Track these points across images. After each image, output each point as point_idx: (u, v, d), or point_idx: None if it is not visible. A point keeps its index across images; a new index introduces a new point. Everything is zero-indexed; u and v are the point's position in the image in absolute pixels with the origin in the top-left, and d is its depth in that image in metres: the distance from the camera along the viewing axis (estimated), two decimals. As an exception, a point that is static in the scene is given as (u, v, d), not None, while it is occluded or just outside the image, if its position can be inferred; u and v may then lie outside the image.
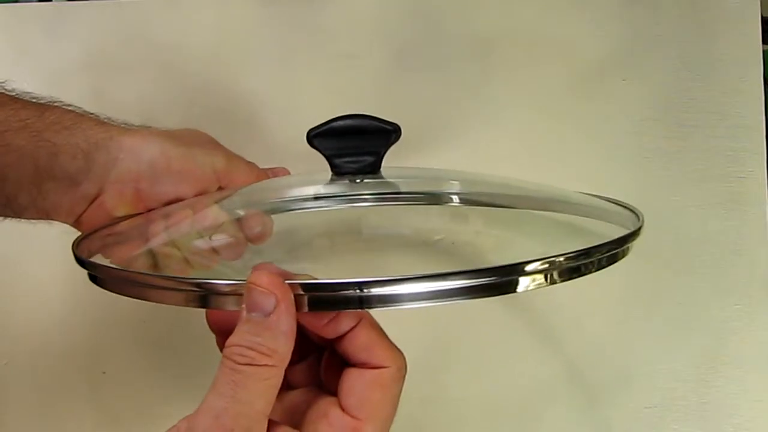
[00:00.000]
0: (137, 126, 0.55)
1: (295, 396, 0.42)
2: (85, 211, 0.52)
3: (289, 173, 0.59)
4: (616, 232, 0.41)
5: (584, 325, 0.78)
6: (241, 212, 0.50)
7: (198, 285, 0.37)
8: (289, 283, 0.36)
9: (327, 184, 0.47)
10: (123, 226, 0.51)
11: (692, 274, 0.78)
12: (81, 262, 0.43)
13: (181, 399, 0.75)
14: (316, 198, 0.48)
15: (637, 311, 0.78)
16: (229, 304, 0.37)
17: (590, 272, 0.38)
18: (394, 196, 0.48)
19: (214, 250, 0.48)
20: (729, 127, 0.78)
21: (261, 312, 0.36)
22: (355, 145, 0.46)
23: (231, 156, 0.56)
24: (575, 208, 0.49)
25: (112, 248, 0.49)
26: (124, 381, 0.78)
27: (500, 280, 0.35)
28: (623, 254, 0.41)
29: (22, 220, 0.52)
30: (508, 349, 0.78)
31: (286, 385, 0.39)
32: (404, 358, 0.40)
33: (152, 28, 0.79)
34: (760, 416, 0.78)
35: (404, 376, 0.40)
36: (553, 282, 0.36)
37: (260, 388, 0.36)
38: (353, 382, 0.39)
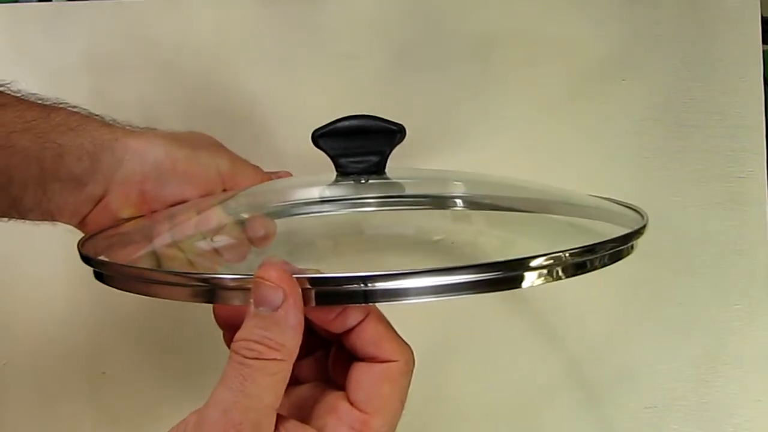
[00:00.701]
0: (142, 128, 0.55)
1: (302, 391, 0.42)
2: (90, 212, 0.52)
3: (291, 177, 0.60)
4: (621, 232, 0.41)
5: (585, 325, 0.78)
6: (245, 215, 0.50)
7: (204, 280, 0.37)
8: (297, 278, 0.36)
9: (332, 184, 0.47)
10: (127, 227, 0.51)
11: (692, 274, 0.78)
12: (87, 259, 0.43)
13: (182, 399, 0.75)
14: (322, 200, 0.48)
15: (637, 311, 0.78)
16: (236, 299, 0.37)
17: (595, 269, 0.38)
18: (399, 197, 0.48)
19: (218, 252, 0.48)
20: (729, 127, 0.78)
21: (269, 306, 0.36)
22: (359, 145, 0.46)
23: (235, 159, 0.56)
24: (579, 209, 0.49)
25: (117, 249, 0.49)
26: (124, 381, 0.78)
27: (505, 275, 0.35)
28: (628, 252, 0.41)
29: (27, 221, 0.52)
30: (508, 349, 0.78)
31: (294, 380, 0.39)
32: (412, 352, 0.40)
33: (152, 28, 0.79)
34: (760, 416, 0.78)
35: (412, 370, 0.40)
36: (558, 278, 0.37)
37: (269, 382, 0.36)
38: (361, 376, 0.39)
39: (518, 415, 0.78)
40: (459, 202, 0.50)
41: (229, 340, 0.41)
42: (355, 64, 0.79)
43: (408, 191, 0.49)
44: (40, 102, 0.53)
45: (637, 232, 0.41)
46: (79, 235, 0.52)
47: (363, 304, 0.38)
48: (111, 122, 0.54)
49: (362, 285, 0.34)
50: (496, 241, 0.48)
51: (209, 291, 0.37)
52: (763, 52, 0.79)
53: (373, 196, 0.47)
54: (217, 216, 0.50)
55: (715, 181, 0.79)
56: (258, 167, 0.57)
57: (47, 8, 0.80)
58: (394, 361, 0.39)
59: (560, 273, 0.37)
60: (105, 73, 0.78)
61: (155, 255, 0.46)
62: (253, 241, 0.48)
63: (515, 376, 0.78)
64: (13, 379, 0.78)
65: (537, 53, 0.79)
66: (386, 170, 0.47)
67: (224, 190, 0.54)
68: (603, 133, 0.79)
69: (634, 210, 0.47)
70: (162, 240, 0.49)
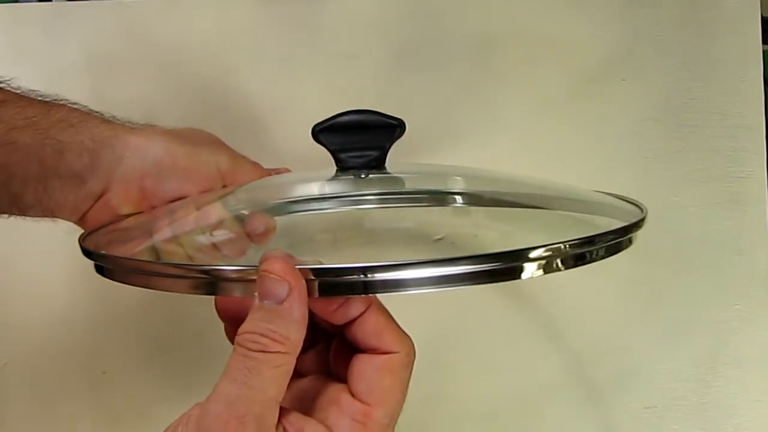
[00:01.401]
0: (142, 125, 0.55)
1: (304, 383, 0.42)
2: (90, 208, 0.52)
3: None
4: (620, 225, 0.41)
5: (585, 324, 0.78)
6: (245, 211, 0.50)
7: (205, 272, 0.38)
8: (300, 269, 0.36)
9: (331, 179, 0.47)
10: (127, 222, 0.51)
11: (692, 274, 0.78)
12: (88, 253, 0.43)
13: (182, 398, 0.74)
14: (322, 196, 0.48)
15: (637, 311, 0.78)
16: (237, 291, 0.37)
17: (594, 260, 0.38)
18: (399, 193, 0.48)
19: (216, 247, 0.48)
20: (729, 127, 0.78)
21: (274, 299, 0.36)
22: (359, 140, 0.46)
23: (235, 155, 0.56)
24: (578, 203, 0.49)
25: (117, 244, 0.49)
26: (124, 381, 0.78)
27: (505, 266, 0.35)
28: (627, 244, 0.41)
29: (27, 217, 0.52)
30: (508, 349, 0.78)
31: (296, 373, 0.39)
32: (413, 344, 0.40)
33: (152, 28, 0.79)
34: (760, 416, 0.78)
35: (413, 361, 0.40)
36: (557, 269, 0.36)
37: (273, 374, 0.36)
38: (363, 367, 0.39)
39: (518, 415, 0.78)
40: (459, 198, 0.50)
41: (231, 333, 0.41)
42: (355, 63, 0.79)
43: (408, 186, 0.49)
44: (40, 99, 0.53)
45: (636, 225, 0.41)
46: (79, 232, 0.52)
47: (363, 295, 0.38)
48: (111, 119, 0.54)
49: (362, 276, 0.34)
50: (497, 234, 0.48)
51: (210, 283, 0.37)
52: (763, 52, 0.79)
53: (373, 192, 0.46)
54: (216, 212, 0.50)
55: (715, 181, 0.79)
56: (257, 164, 0.57)
57: (47, 8, 0.80)
58: (395, 352, 0.39)
59: (559, 264, 0.37)
60: (105, 72, 0.78)
61: (155, 250, 0.46)
62: (252, 237, 0.48)
63: (515, 375, 0.78)
64: (13, 379, 0.78)
65: (537, 53, 0.79)
66: (386, 165, 0.47)
67: (224, 186, 0.54)
68: (603, 133, 0.79)
69: (634, 204, 0.47)
70: (162, 235, 0.49)
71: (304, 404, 0.40)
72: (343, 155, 0.47)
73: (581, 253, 0.37)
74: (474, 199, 0.50)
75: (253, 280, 0.36)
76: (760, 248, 0.78)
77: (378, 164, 0.47)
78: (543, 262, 0.36)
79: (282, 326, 0.36)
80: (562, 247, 0.36)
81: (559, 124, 0.78)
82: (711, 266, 0.78)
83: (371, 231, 0.46)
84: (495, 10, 0.79)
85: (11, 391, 0.78)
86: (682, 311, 0.78)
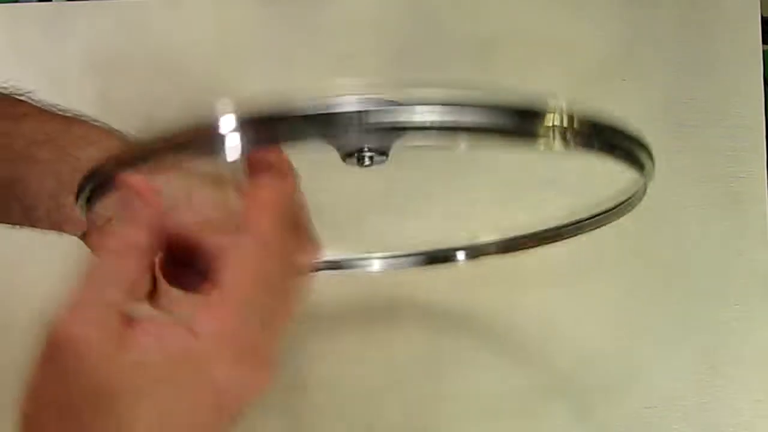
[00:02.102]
0: None
1: None
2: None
3: None
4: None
5: (584, 324, 0.78)
6: None
7: None
8: None
9: None
10: None
11: (692, 274, 0.78)
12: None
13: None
14: None
15: (637, 311, 0.78)
16: None
17: (600, 151, 0.35)
18: None
19: None
20: (729, 127, 0.78)
21: None
22: None
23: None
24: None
25: None
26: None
27: (519, 123, 0.32)
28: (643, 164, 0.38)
29: (37, 229, 0.52)
30: (507, 349, 0.78)
31: None
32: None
33: (152, 28, 0.79)
34: (760, 416, 0.78)
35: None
36: (566, 143, 0.33)
37: None
38: None
39: (518, 415, 0.78)
40: None
41: None
42: (355, 64, 0.79)
43: None
44: (61, 113, 0.52)
45: (650, 154, 0.38)
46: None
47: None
48: (132, 140, 0.52)
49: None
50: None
51: None
52: (763, 52, 0.79)
53: None
54: None
55: (715, 181, 0.78)
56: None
57: (47, 8, 0.80)
58: None
59: (572, 137, 0.33)
60: (105, 72, 0.78)
61: None
62: None
63: (514, 376, 0.78)
64: (13, 380, 0.78)
65: (537, 53, 0.79)
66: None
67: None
68: (603, 133, 0.79)
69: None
70: None
71: None
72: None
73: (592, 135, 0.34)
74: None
75: None
76: (760, 248, 0.78)
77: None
78: (558, 127, 0.33)
79: None
80: (580, 117, 0.33)
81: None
82: (711, 266, 0.78)
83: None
84: (495, 10, 0.79)
85: (11, 391, 0.78)
86: (682, 311, 0.78)
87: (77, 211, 0.49)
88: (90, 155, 0.50)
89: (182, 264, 0.44)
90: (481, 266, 0.57)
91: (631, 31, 0.79)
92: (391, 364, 0.74)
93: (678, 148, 0.79)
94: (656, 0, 0.79)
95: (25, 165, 0.49)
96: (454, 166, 0.77)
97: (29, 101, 0.52)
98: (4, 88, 0.53)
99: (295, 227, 0.38)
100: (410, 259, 0.56)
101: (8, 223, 0.52)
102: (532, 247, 0.53)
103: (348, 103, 0.32)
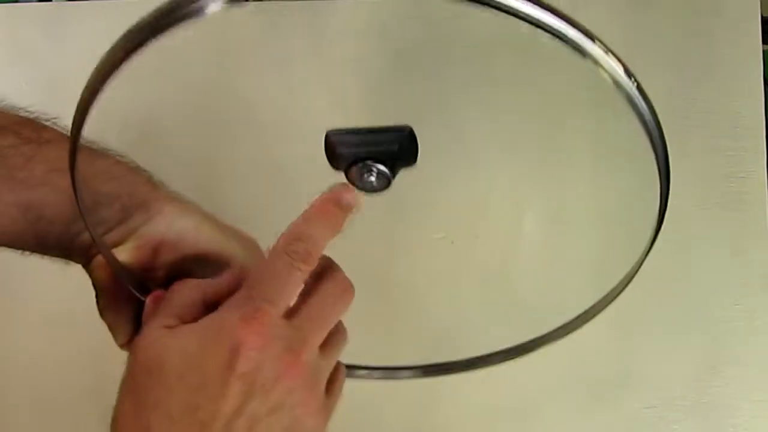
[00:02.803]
0: (188, 200, 0.53)
1: None
2: (98, 254, 0.51)
3: None
4: None
5: (585, 324, 0.78)
6: None
7: None
8: None
9: None
10: None
11: (692, 274, 0.78)
12: None
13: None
14: None
15: (637, 311, 0.78)
16: None
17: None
18: None
19: None
20: (729, 127, 0.78)
21: None
22: None
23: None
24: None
25: None
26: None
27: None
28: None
29: (46, 257, 0.51)
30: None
31: None
32: None
33: (152, 28, 0.79)
34: (760, 416, 0.78)
35: None
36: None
37: None
38: None
39: (518, 415, 0.78)
40: None
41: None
42: (356, 67, 0.79)
43: None
44: (86, 145, 0.51)
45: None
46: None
47: None
48: (157, 182, 0.52)
49: None
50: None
51: None
52: (763, 52, 0.79)
53: None
54: None
55: (715, 181, 0.78)
56: None
57: (47, 8, 0.80)
58: None
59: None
60: (105, 73, 0.78)
61: None
62: None
63: (514, 376, 0.77)
64: (13, 380, 0.78)
65: (537, 56, 0.79)
66: None
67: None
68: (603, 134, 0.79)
69: None
70: None
71: None
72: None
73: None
74: None
75: None
76: (760, 248, 0.78)
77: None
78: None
79: None
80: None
81: (559, 126, 0.78)
82: (711, 266, 0.78)
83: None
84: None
85: (11, 392, 0.78)
86: (682, 311, 0.78)
87: (86, 239, 0.49)
88: (111, 190, 0.49)
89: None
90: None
91: (631, 31, 0.79)
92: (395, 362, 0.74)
93: (678, 148, 0.78)
94: (656, 0, 0.79)
95: (43, 191, 0.48)
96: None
97: (55, 127, 0.51)
98: (30, 112, 0.52)
99: None
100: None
101: (19, 249, 0.51)
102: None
103: None
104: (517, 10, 0.34)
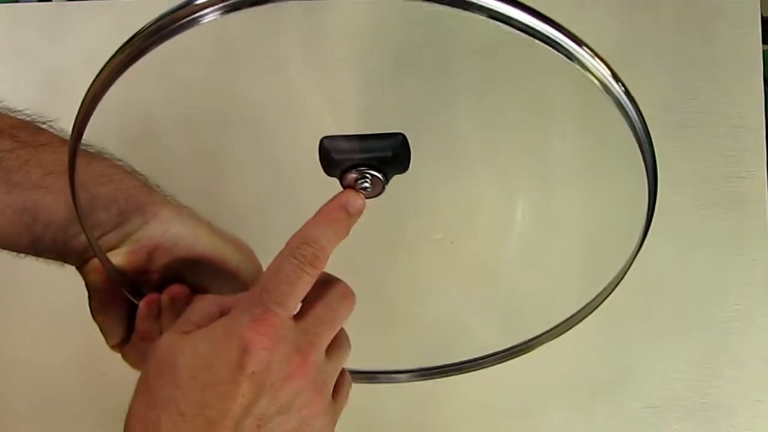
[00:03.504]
0: (184, 206, 0.53)
1: None
2: (93, 257, 0.51)
3: None
4: None
5: (584, 324, 0.78)
6: None
7: None
8: None
9: None
10: None
11: (692, 274, 0.78)
12: None
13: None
14: None
15: (636, 311, 0.78)
16: None
17: None
18: None
19: None
20: (729, 127, 0.78)
21: None
22: None
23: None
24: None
25: None
26: (124, 381, 0.77)
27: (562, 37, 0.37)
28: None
29: (41, 259, 0.52)
30: (508, 349, 0.78)
31: None
32: None
33: (152, 29, 0.79)
34: (760, 416, 0.78)
35: None
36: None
37: None
38: None
39: (518, 415, 0.78)
40: None
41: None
42: (354, 67, 0.79)
43: None
44: (83, 148, 0.51)
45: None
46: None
47: None
48: (155, 187, 0.52)
49: None
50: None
51: None
52: (763, 52, 0.79)
53: None
54: None
55: (715, 181, 0.78)
56: None
57: (47, 8, 0.80)
58: None
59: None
60: (105, 73, 0.78)
61: None
62: None
63: (514, 376, 0.77)
64: (13, 379, 0.78)
65: (536, 55, 0.79)
66: None
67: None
68: (603, 134, 0.79)
69: None
70: None
71: None
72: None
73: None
74: None
75: None
76: (760, 248, 0.78)
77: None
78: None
79: None
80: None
81: (559, 125, 0.78)
82: (711, 266, 0.78)
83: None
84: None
85: (11, 391, 0.78)
86: (682, 311, 0.78)
87: (81, 242, 0.49)
88: (108, 193, 0.49)
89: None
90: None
91: (631, 31, 0.79)
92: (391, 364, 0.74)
93: (678, 149, 0.79)
94: (656, 0, 0.79)
95: (39, 194, 0.48)
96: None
97: (50, 130, 0.51)
98: (27, 115, 0.52)
99: None
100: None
101: (14, 251, 0.51)
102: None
103: None
104: (507, 16, 0.35)
